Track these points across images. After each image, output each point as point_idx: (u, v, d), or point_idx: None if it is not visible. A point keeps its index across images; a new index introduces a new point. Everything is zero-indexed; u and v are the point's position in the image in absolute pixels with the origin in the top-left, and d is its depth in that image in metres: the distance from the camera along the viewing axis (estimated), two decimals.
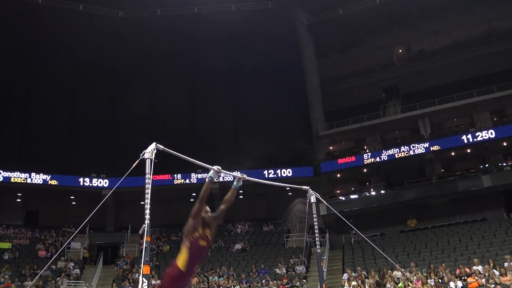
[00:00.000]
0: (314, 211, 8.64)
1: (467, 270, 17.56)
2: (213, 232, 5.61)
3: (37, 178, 27.76)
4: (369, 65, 35.16)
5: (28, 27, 31.05)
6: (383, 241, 24.96)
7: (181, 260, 5.24)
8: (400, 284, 17.65)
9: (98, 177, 29.22)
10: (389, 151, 27.81)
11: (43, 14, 30.51)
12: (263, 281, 20.65)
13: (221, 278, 21.30)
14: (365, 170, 29.59)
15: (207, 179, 5.46)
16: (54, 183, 28.19)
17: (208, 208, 5.53)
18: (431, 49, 35.01)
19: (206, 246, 5.46)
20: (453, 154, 28.03)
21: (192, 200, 31.45)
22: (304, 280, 20.85)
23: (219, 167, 5.63)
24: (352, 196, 28.88)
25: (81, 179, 28.77)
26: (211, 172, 5.57)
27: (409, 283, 17.28)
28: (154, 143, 5.36)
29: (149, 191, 5.11)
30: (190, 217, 5.36)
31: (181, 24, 32.48)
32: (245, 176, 6.20)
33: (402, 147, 27.65)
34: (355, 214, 26.10)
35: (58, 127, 31.18)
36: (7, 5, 29.36)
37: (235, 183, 6.02)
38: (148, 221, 4.97)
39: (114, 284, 21.05)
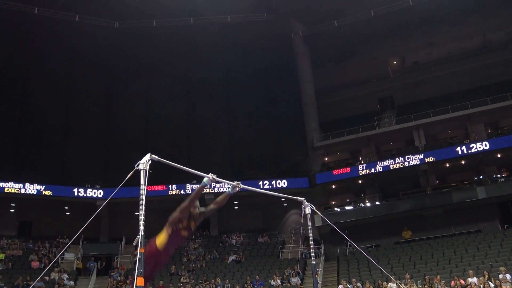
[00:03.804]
0: (309, 222, 8.62)
1: (462, 282, 17.54)
2: (196, 225, 5.96)
3: (31, 189, 27.63)
4: (364, 76, 35.29)
5: (24, 37, 31.09)
6: (378, 253, 24.90)
7: (160, 240, 5.63)
8: None
9: (92, 187, 29.11)
10: (384, 163, 27.85)
11: (39, 25, 30.55)
12: None
13: None
14: (360, 181, 29.59)
15: (201, 184, 5.75)
16: (48, 194, 28.07)
17: (197, 203, 5.88)
18: (426, 60, 35.23)
19: (186, 236, 5.88)
20: (447, 165, 28.09)
21: None
22: None
23: (214, 176, 5.78)
24: (347, 207, 28.84)
25: (75, 190, 28.65)
26: (205, 179, 5.77)
27: None
28: (149, 154, 5.36)
29: (144, 202, 5.09)
30: (177, 209, 5.69)
31: (177, 35, 32.57)
32: (240, 184, 6.31)
33: (397, 158, 27.70)
34: (350, 226, 26.03)
35: (53, 137, 31.09)
36: (2, 15, 29.37)
37: (230, 189, 6.24)
38: (142, 233, 4.95)
39: None
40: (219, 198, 6.17)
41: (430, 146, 28.47)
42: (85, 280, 24.27)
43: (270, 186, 28.61)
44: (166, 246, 5.62)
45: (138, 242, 4.93)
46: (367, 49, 35.34)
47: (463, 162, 27.85)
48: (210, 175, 5.73)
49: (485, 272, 17.71)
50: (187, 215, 5.70)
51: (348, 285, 19.45)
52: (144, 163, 5.25)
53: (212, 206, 6.18)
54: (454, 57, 33.95)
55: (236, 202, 31.01)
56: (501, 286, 16.37)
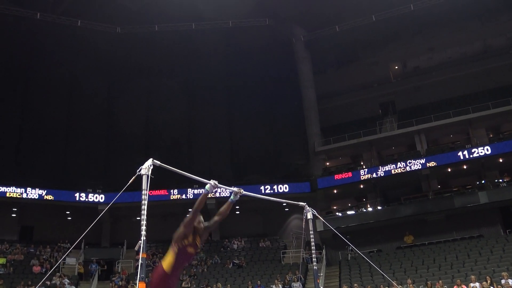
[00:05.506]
0: (311, 227, 8.62)
1: (464, 287, 17.49)
2: (203, 240, 5.67)
3: (33, 193, 27.62)
4: (365, 81, 35.31)
5: (26, 41, 31.18)
6: (380, 258, 24.86)
7: (167, 262, 5.27)
8: None
9: (94, 192, 29.10)
10: (386, 167, 27.81)
11: (41, 30, 30.65)
12: None
13: None
14: (361, 186, 29.55)
15: (203, 192, 5.50)
16: (50, 198, 28.04)
17: (201, 218, 5.57)
18: (427, 65, 35.25)
19: (193, 253, 5.54)
20: (449, 170, 28.05)
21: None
22: None
23: (216, 182, 5.59)
24: (349, 212, 28.85)
25: (77, 194, 28.64)
26: (208, 185, 5.56)
27: None
28: (151, 159, 5.37)
29: (145, 207, 5.10)
30: (182, 225, 5.39)
31: (178, 40, 32.66)
32: (242, 190, 6.15)
33: (399, 163, 27.65)
34: (352, 230, 26.00)
35: (54, 141, 31.11)
36: (4, 20, 29.47)
37: (232, 197, 6.00)
38: (144, 238, 4.96)
39: None
40: (222, 209, 5.86)
41: (432, 151, 28.42)
42: (87, 284, 24.25)
43: (272, 191, 28.57)
44: (174, 267, 5.27)
45: (139, 247, 4.94)
46: (368, 54, 35.40)
47: (464, 167, 27.81)
48: (212, 182, 5.54)
49: (487, 277, 17.68)
50: (191, 229, 5.40)
51: None
52: (146, 168, 5.27)
53: (216, 218, 5.88)
54: (455, 62, 33.97)
55: (237, 207, 30.98)
56: None
